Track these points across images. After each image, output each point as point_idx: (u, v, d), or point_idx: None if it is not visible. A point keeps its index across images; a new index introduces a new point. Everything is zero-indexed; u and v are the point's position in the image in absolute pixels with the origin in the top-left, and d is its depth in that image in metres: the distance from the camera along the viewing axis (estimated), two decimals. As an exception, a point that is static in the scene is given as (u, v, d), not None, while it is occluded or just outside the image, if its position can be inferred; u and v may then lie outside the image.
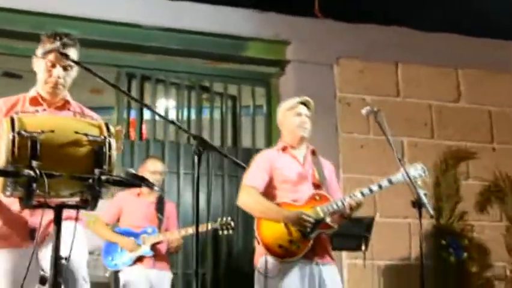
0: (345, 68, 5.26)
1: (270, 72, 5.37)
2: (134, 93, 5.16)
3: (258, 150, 5.30)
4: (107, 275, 4.40)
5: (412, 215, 5.03)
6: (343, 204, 3.09)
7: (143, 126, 5.93)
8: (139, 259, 4.25)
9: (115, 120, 5.13)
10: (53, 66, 2.48)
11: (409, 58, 5.38)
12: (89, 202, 1.88)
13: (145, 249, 4.25)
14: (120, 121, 5.10)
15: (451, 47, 5.45)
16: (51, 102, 2.54)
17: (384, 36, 5.33)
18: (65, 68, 2.50)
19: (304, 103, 3.28)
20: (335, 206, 3.09)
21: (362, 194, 3.10)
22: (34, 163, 1.74)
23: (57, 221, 1.90)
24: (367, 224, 3.68)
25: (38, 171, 1.73)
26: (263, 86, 5.38)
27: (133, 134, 5.82)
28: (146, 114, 5.85)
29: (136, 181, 2.00)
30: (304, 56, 5.17)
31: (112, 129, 1.95)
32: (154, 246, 4.27)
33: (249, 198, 3.12)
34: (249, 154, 4.71)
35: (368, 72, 5.29)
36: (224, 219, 4.28)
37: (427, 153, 5.22)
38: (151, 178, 4.30)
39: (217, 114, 5.49)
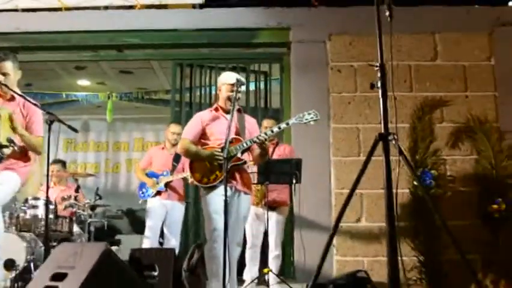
0: (336, 42, 6.76)
1: (283, 52, 7.08)
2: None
3: (276, 110, 7.11)
4: (139, 202, 6.60)
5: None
6: (251, 142, 4.35)
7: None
8: (158, 193, 6.35)
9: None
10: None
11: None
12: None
13: (161, 186, 6.34)
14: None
15: (428, 17, 6.64)
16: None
17: (369, 14, 6.66)
18: (3, 74, 4.16)
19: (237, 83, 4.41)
20: (244, 145, 4.35)
21: (266, 134, 4.31)
22: None
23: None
24: (296, 163, 5.18)
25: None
26: (278, 63, 7.14)
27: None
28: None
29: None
30: (302, 37, 6.78)
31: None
32: (167, 184, 6.32)
33: (182, 147, 4.52)
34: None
35: (355, 45, 6.72)
36: None
37: (406, 104, 6.51)
38: (171, 137, 6.46)
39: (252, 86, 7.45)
